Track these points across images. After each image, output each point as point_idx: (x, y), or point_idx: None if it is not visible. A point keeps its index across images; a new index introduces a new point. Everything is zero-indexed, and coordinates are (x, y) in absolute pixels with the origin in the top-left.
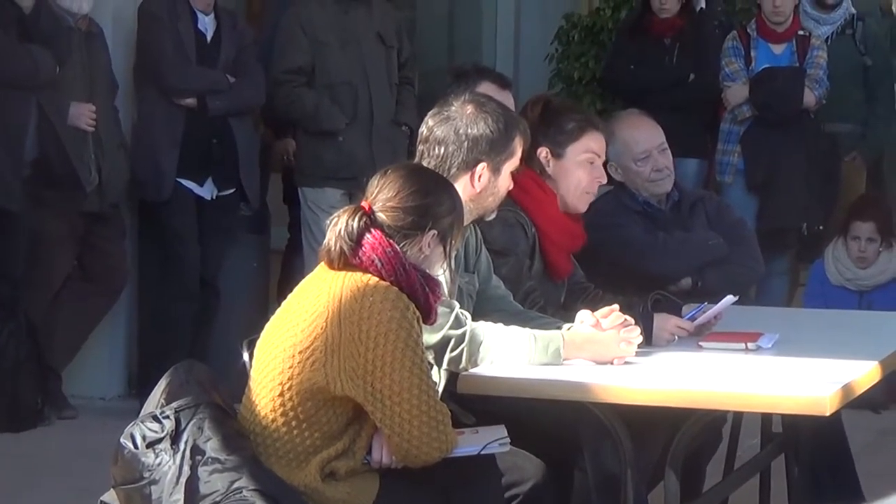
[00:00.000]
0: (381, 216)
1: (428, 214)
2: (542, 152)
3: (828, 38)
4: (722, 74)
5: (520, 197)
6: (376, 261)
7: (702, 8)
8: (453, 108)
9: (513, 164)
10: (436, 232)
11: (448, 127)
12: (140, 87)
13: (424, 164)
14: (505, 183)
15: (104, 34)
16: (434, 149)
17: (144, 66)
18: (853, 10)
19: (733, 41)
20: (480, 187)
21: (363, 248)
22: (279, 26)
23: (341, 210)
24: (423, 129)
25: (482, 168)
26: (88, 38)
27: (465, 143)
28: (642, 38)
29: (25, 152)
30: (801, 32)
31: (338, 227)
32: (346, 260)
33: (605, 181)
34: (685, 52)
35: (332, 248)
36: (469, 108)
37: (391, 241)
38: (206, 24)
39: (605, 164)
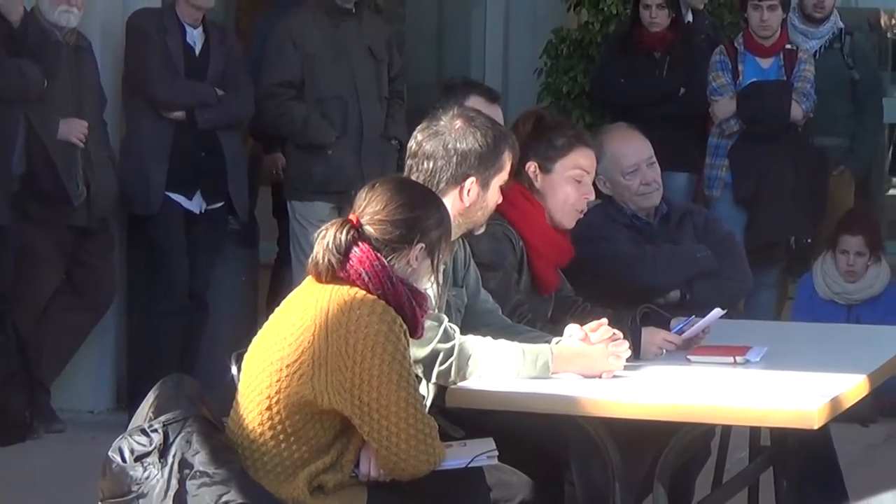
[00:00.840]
0: (368, 229)
1: (416, 228)
2: (531, 166)
3: (816, 52)
4: (709, 88)
5: (507, 210)
6: (363, 274)
7: (689, 21)
8: (442, 122)
9: (502, 178)
10: (423, 245)
11: (437, 141)
12: (128, 100)
13: (413, 178)
14: (494, 197)
15: (92, 48)
16: (423, 163)
17: (133, 80)
18: (841, 25)
19: (721, 55)
20: (469, 202)
21: (350, 262)
22: (270, 39)
23: (329, 223)
24: (412, 144)
25: (471, 182)
26: (77, 51)
27: (454, 157)
28: (632, 52)
29: (13, 166)
30: (788, 46)
31: (325, 240)
32: (334, 273)
33: (593, 198)
34: (675, 66)
35: (320, 262)
36: (458, 123)
37: (378, 254)
38: (195, 37)
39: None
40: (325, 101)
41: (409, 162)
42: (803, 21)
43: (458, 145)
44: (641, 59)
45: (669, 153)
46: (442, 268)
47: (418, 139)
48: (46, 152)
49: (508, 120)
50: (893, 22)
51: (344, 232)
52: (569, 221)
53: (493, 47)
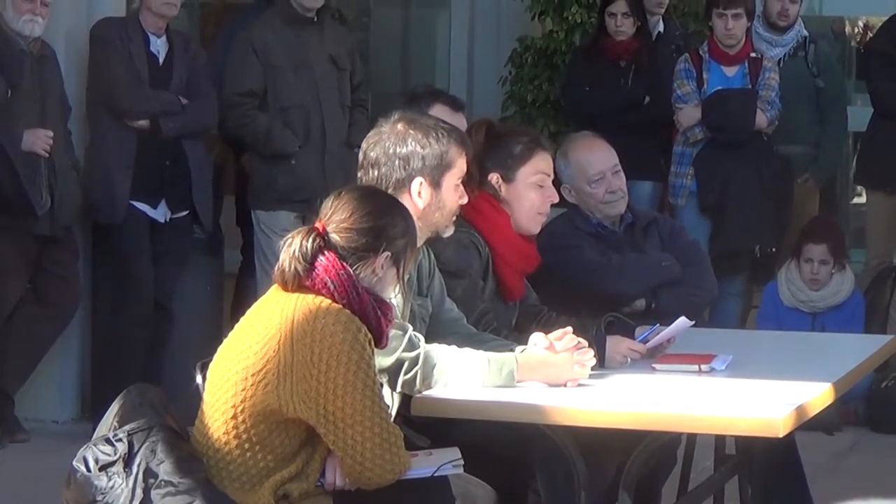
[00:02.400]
0: (334, 237)
1: (382, 236)
2: (493, 178)
3: (780, 60)
4: (674, 96)
5: (474, 218)
6: (329, 283)
7: (660, 32)
8: (384, 129)
9: (454, 175)
10: (389, 254)
11: (379, 148)
12: (93, 109)
13: None
14: (450, 196)
15: (57, 57)
16: (370, 171)
17: (97, 89)
18: (805, 33)
19: (685, 63)
20: (423, 203)
21: (316, 270)
22: (231, 49)
23: (295, 231)
24: (360, 155)
25: (419, 184)
26: (41, 61)
27: (396, 161)
28: (598, 61)
29: None
30: (753, 55)
31: (291, 247)
32: (300, 281)
33: (556, 200)
34: (640, 75)
35: (286, 269)
36: (398, 127)
37: (344, 263)
38: (158, 46)
39: (556, 184)
40: (287, 111)
41: (359, 173)
42: (767, 29)
43: (397, 149)
44: (607, 68)
45: (634, 161)
46: (406, 277)
47: (363, 148)
48: (10, 161)
49: None
50: (857, 30)
51: (310, 240)
52: (535, 227)
53: (458, 56)
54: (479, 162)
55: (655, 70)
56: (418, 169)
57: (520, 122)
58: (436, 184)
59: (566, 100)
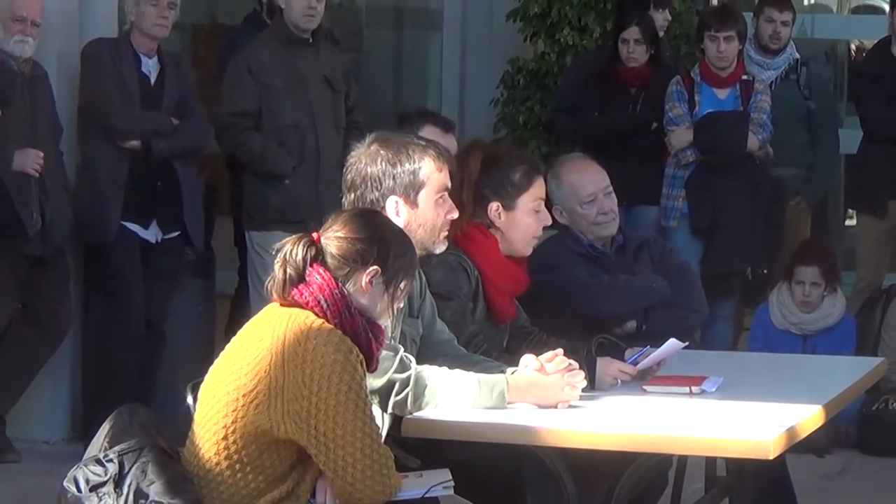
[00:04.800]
0: (326, 243)
1: (373, 248)
2: (494, 207)
3: (772, 82)
4: (665, 119)
5: (462, 242)
6: (322, 301)
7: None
8: (360, 151)
9: (431, 190)
10: (378, 269)
11: (354, 171)
12: (84, 129)
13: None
14: (430, 212)
15: (48, 77)
16: (349, 194)
17: (88, 109)
18: (797, 55)
19: (677, 85)
20: (403, 222)
21: (310, 287)
22: (226, 70)
23: (290, 238)
24: (343, 179)
25: (394, 203)
26: (32, 81)
27: (368, 182)
28: (608, 86)
29: None
30: (744, 77)
31: (283, 252)
32: (293, 295)
33: (549, 223)
34: (649, 101)
35: (277, 274)
36: (371, 148)
37: (338, 282)
38: (150, 66)
39: (547, 205)
40: (282, 131)
41: (343, 199)
42: (759, 52)
43: (368, 170)
44: (618, 94)
45: (640, 187)
46: (398, 305)
47: (343, 172)
48: (1, 182)
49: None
50: (851, 53)
51: (302, 246)
52: (529, 250)
53: (450, 77)
54: (476, 189)
55: (662, 96)
56: (390, 188)
57: (511, 144)
58: (412, 202)
59: (570, 124)
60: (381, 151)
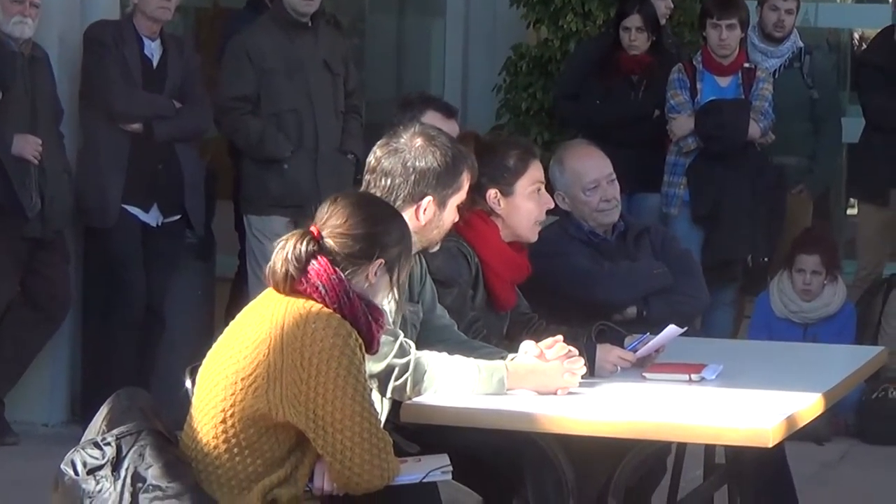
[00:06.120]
0: (329, 242)
1: (376, 243)
2: (492, 194)
3: (775, 71)
4: (667, 106)
5: (463, 230)
6: (320, 287)
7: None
8: (402, 139)
9: (459, 197)
10: (383, 261)
11: (396, 159)
12: (85, 112)
13: None
14: (450, 217)
15: (49, 59)
16: (381, 180)
17: (90, 92)
18: (801, 44)
19: (679, 73)
20: (426, 220)
21: (308, 275)
22: (225, 54)
23: (289, 234)
24: (371, 160)
25: (428, 202)
26: (32, 63)
27: (413, 175)
28: (610, 74)
29: None
30: (747, 65)
31: (285, 250)
32: (292, 284)
33: (552, 205)
34: (651, 89)
35: (278, 271)
36: (418, 141)
37: (337, 268)
38: (153, 49)
39: (549, 191)
40: (280, 115)
41: (366, 177)
42: (763, 40)
43: (417, 164)
44: (619, 82)
45: (642, 175)
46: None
47: (377, 155)
48: (0, 164)
49: None
50: (854, 42)
51: (304, 243)
52: (533, 235)
53: (453, 63)
54: None
55: (665, 84)
56: (432, 186)
57: (514, 131)
58: (442, 203)
59: (567, 109)
60: (430, 148)
